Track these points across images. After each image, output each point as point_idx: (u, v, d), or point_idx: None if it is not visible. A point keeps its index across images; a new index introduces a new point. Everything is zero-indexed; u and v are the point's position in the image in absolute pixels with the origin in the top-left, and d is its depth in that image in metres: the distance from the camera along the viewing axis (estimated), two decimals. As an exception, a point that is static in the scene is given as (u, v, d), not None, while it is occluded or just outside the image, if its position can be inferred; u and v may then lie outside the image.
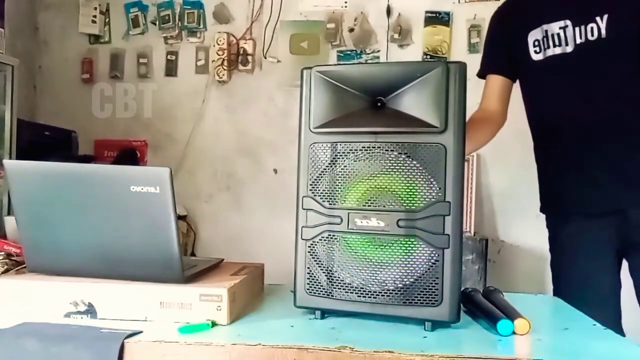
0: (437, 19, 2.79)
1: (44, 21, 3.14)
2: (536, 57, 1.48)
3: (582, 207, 1.46)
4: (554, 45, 1.45)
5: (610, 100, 1.40)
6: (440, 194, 0.93)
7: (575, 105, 1.44)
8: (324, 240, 0.99)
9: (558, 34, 1.44)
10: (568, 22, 1.43)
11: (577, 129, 1.44)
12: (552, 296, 1.42)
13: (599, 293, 1.44)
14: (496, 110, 1.57)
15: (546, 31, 1.46)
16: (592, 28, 1.39)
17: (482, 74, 1.61)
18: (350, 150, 0.98)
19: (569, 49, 1.43)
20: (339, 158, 0.99)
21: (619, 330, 1.40)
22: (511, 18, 1.56)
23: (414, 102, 0.96)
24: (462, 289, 1.00)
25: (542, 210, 1.60)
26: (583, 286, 1.44)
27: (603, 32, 1.38)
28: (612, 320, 1.40)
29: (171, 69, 3.02)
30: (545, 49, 1.46)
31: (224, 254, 1.31)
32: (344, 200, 0.98)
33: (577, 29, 1.42)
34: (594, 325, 1.04)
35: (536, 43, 1.48)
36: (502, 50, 1.56)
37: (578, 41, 1.42)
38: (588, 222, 1.45)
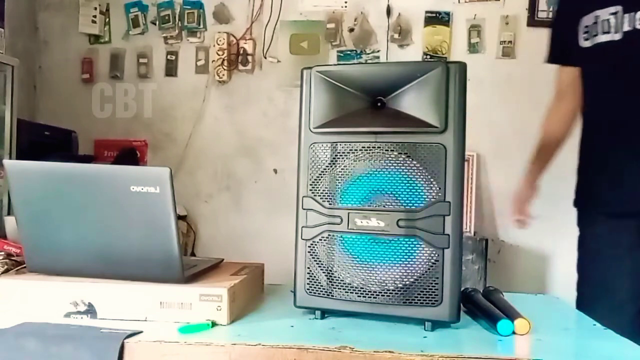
0: (437, 19, 2.79)
1: (44, 21, 3.14)
2: (584, 44, 1.43)
3: (609, 206, 1.42)
4: (603, 32, 1.39)
5: None
6: (440, 194, 0.93)
7: (617, 98, 1.39)
8: (324, 240, 0.99)
9: (608, 20, 1.38)
10: (619, 8, 1.36)
11: (616, 122, 1.39)
12: (552, 296, 1.42)
13: (616, 297, 1.40)
14: (573, 103, 1.52)
15: (597, 17, 1.39)
16: None
17: (552, 61, 1.55)
18: (350, 150, 0.98)
19: (617, 36, 1.37)
20: (339, 158, 0.99)
21: (637, 337, 1.37)
22: (566, 3, 1.52)
23: (414, 102, 0.96)
24: (462, 289, 1.00)
25: (574, 204, 1.56)
26: (601, 289, 1.41)
27: None
28: (629, 325, 1.35)
29: (171, 69, 3.02)
30: (594, 36, 1.40)
31: (224, 254, 1.30)
32: (344, 200, 0.98)
33: (627, 15, 1.35)
34: (594, 325, 1.04)
35: (586, 29, 1.42)
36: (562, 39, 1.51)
37: (626, 28, 1.35)
38: (614, 224, 1.41)
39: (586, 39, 1.43)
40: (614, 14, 1.37)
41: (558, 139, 1.59)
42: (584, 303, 1.42)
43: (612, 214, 1.42)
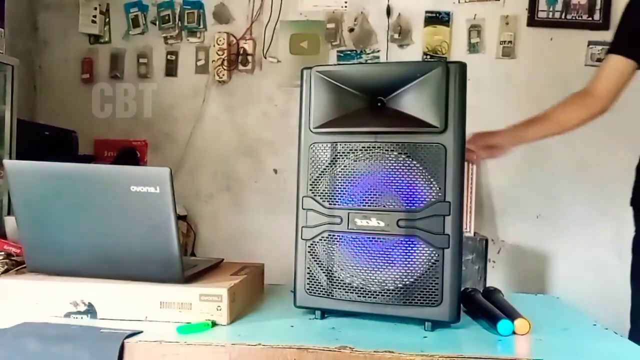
0: (437, 19, 2.79)
1: (44, 21, 3.13)
2: None
3: None
4: None
5: None
6: (440, 194, 0.93)
7: None
8: (324, 240, 0.99)
9: None
10: None
11: None
12: (552, 296, 1.42)
13: None
14: (600, 90, 1.44)
15: None
16: None
17: (615, 51, 1.48)
18: (350, 150, 0.98)
19: None
20: (339, 158, 0.99)
21: None
22: None
23: (414, 102, 0.96)
24: (462, 289, 1.00)
25: (633, 203, 1.50)
26: None
27: None
28: None
29: (171, 69, 3.02)
30: None
31: (224, 254, 1.30)
32: (344, 200, 0.98)
33: None
34: (594, 325, 1.04)
35: None
36: (635, 32, 1.45)
37: None
38: None
39: None
40: None
41: (562, 129, 1.51)
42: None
43: None
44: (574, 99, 1.47)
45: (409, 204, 0.94)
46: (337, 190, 0.99)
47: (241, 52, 2.92)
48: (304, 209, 1.01)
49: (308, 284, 1.00)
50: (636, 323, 1.42)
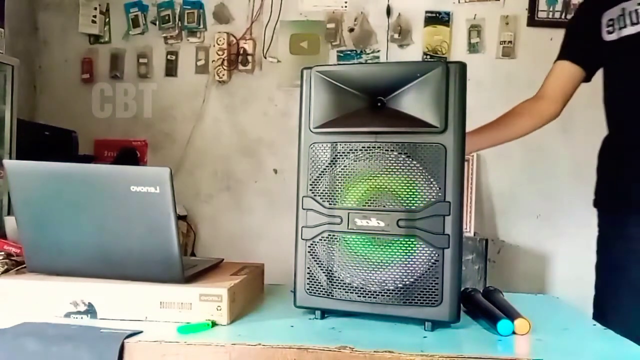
0: (437, 19, 2.79)
1: (44, 21, 3.14)
2: (609, 37, 1.39)
3: None
4: (632, 24, 1.34)
5: None
6: (440, 194, 0.93)
7: None
8: (324, 240, 0.99)
9: (636, 11, 1.33)
10: None
11: None
12: (552, 296, 1.42)
13: None
14: (552, 95, 1.46)
15: (623, 9, 1.35)
16: None
17: (564, 57, 1.49)
18: (350, 150, 0.98)
19: None
20: (339, 158, 0.99)
21: None
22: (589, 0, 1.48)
23: (414, 102, 0.96)
24: (462, 289, 1.00)
25: (596, 204, 1.49)
26: (630, 295, 1.34)
27: None
28: None
29: (171, 69, 3.02)
30: (620, 29, 1.36)
31: (224, 254, 1.31)
32: (344, 200, 0.98)
33: None
34: (594, 325, 1.04)
35: (610, 23, 1.38)
36: (579, 36, 1.47)
37: None
38: None
39: (610, 32, 1.38)
40: None
41: (513, 136, 1.52)
42: (608, 303, 1.37)
43: None
44: (524, 105, 1.48)
45: (409, 204, 0.94)
46: (337, 190, 0.99)
47: (241, 52, 2.92)
48: (304, 209, 1.01)
49: (308, 284, 1.00)
50: (596, 305, 1.45)
